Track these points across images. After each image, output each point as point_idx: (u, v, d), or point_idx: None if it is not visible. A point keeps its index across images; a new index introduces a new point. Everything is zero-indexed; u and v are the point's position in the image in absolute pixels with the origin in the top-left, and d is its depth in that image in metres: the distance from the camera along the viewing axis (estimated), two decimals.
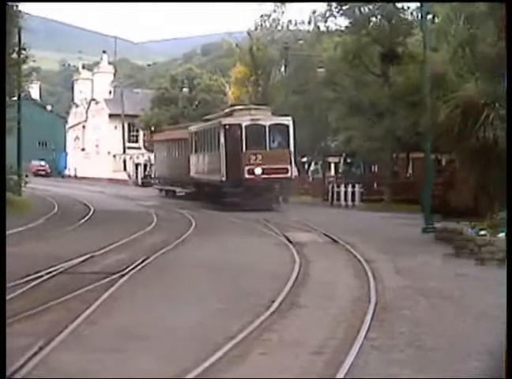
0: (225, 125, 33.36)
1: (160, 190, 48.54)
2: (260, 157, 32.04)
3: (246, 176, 31.96)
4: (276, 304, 10.63)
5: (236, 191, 31.88)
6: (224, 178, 32.68)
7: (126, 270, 13.87)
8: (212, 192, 35.51)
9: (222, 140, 33.01)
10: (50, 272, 13.38)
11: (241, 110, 35.41)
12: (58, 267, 14.03)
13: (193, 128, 40.24)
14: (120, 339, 8.71)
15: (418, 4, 30.57)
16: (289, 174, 32.75)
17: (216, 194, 34.50)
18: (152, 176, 55.41)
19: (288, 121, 33.31)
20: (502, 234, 16.65)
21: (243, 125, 32.58)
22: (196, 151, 38.54)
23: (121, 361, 7.84)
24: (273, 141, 32.98)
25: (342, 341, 8.49)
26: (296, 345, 8.42)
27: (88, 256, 15.83)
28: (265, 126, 32.71)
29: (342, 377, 7.01)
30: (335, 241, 19.74)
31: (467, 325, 9.73)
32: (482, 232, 17.06)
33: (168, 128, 50.96)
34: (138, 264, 14.70)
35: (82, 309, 9.99)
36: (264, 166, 31.87)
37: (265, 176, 31.76)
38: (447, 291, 12.18)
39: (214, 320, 9.79)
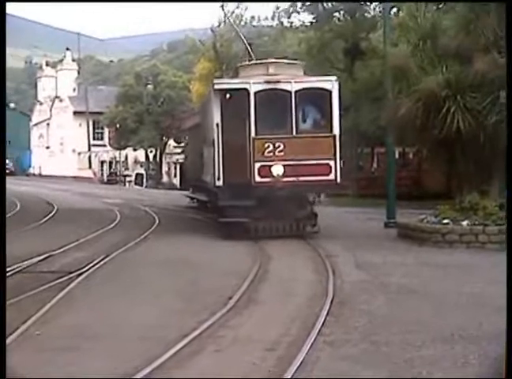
0: (221, 91, 19.92)
1: (191, 199, 32.54)
2: (281, 147, 19.18)
3: (258, 179, 19.11)
4: (233, 301, 10.59)
5: (240, 205, 18.97)
6: (219, 183, 19.42)
7: (85, 268, 13.78)
8: (211, 204, 23.52)
9: (216, 117, 19.58)
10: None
11: (253, 65, 21.74)
12: (14, 266, 13.84)
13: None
14: (72, 338, 8.61)
15: None
16: (332, 176, 19.61)
17: (213, 208, 22.40)
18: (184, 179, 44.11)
19: (329, 83, 19.89)
20: (465, 223, 16.95)
21: (252, 90, 19.35)
22: (205, 140, 23.21)
23: (72, 360, 7.75)
24: (305, 119, 20.16)
25: (296, 337, 8.47)
26: (250, 341, 8.39)
27: (47, 255, 15.69)
28: (290, 93, 19.42)
29: (293, 372, 6.98)
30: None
31: (424, 315, 9.79)
32: (445, 221, 17.33)
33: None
34: (97, 263, 14.60)
35: (36, 309, 9.88)
36: (288, 163, 19.09)
37: (290, 179, 19.01)
38: (407, 284, 12.23)
39: (170, 319, 9.72)
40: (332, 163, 19.61)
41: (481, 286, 11.90)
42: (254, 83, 19.47)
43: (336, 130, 19.74)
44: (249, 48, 29.51)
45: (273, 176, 18.99)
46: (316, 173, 19.23)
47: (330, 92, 19.69)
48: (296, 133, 19.46)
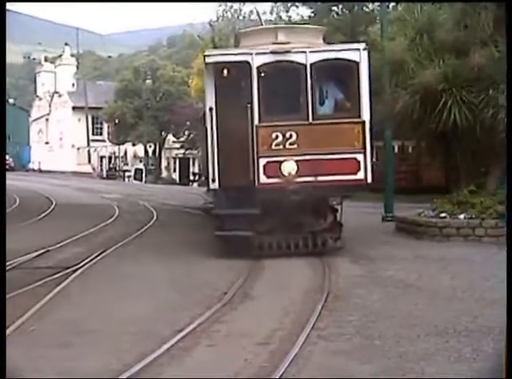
0: (215, 65, 15.31)
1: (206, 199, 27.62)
2: (293, 137, 14.76)
3: (263, 180, 14.78)
4: (228, 296, 10.61)
5: (241, 214, 14.82)
6: (214, 186, 15.14)
7: (81, 264, 13.80)
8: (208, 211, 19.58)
9: (209, 100, 15.20)
10: None
11: (257, 31, 16.89)
12: (12, 262, 13.85)
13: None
14: (66, 334, 8.62)
15: None
16: (361, 175, 14.84)
17: (210, 217, 18.28)
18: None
19: (356, 53, 14.95)
20: (461, 216, 16.86)
21: (255, 64, 14.91)
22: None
23: (65, 356, 7.75)
24: (324, 101, 15.44)
25: (290, 331, 8.48)
26: (244, 336, 8.38)
27: (44, 250, 15.71)
28: (304, 66, 14.84)
29: (285, 367, 6.98)
30: None
31: (418, 309, 9.76)
32: (442, 214, 17.27)
33: None
34: (94, 258, 14.62)
35: (31, 305, 9.89)
36: (302, 158, 14.70)
37: (306, 179, 14.71)
38: (402, 278, 12.21)
39: (164, 314, 9.72)
40: (360, 157, 14.79)
41: (476, 279, 11.88)
42: (256, 54, 14.91)
43: (365, 115, 14.87)
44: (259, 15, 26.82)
45: (284, 176, 14.64)
46: (340, 171, 14.69)
47: (357, 64, 14.81)
48: (313, 118, 14.82)
